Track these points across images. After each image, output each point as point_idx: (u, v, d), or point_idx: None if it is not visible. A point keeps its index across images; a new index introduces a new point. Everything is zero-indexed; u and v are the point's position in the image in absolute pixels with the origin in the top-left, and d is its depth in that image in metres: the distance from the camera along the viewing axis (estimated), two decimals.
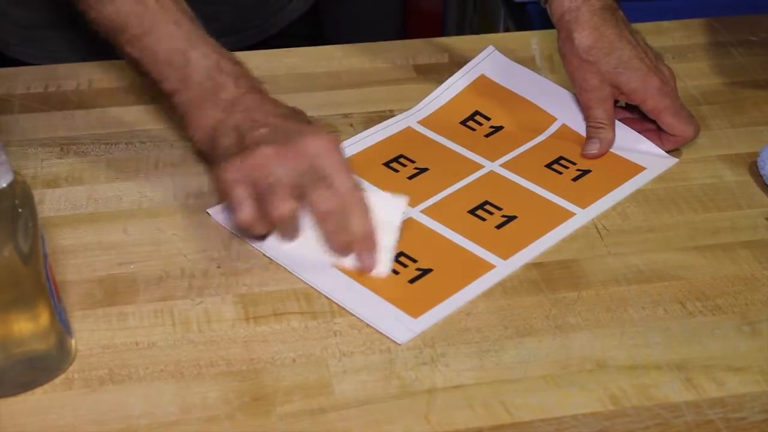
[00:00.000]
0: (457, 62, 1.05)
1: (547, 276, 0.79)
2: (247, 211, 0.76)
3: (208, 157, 0.83)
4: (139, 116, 0.96)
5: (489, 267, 0.80)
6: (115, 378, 0.71)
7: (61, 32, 1.07)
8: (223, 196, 0.80)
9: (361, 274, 0.79)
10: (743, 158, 0.92)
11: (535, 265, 0.80)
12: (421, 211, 0.85)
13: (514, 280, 0.79)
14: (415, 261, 0.80)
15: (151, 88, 0.98)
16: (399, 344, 0.73)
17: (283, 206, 0.75)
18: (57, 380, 0.70)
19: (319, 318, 0.75)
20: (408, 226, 0.83)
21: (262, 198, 0.76)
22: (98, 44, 1.04)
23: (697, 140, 0.94)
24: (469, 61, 1.02)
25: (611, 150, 0.92)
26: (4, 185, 0.65)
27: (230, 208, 0.79)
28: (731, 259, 0.81)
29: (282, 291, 0.77)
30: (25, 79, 1.00)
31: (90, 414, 0.68)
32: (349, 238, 0.77)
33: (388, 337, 0.74)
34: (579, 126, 0.94)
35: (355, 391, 0.70)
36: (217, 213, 0.84)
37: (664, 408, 0.69)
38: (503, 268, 0.79)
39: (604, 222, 0.85)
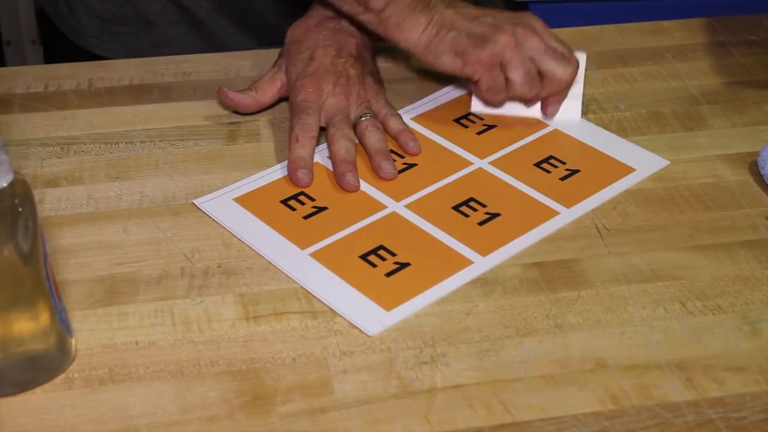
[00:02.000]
0: None
1: (547, 275, 0.79)
2: (506, 94, 0.92)
3: (428, 54, 0.92)
4: (139, 115, 0.96)
5: (467, 263, 0.80)
6: (115, 378, 0.70)
7: (138, 29, 1.10)
8: (480, 76, 0.91)
9: (338, 266, 0.79)
10: (743, 158, 0.92)
11: (535, 265, 0.80)
12: (405, 206, 0.85)
13: (514, 279, 0.79)
14: (394, 255, 0.80)
15: (149, 89, 0.99)
16: (370, 335, 0.74)
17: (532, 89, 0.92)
18: (57, 380, 0.70)
19: (320, 317, 0.75)
20: (390, 220, 0.84)
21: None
22: (173, 43, 1.09)
23: (697, 140, 0.94)
24: None
25: (602, 150, 0.92)
26: (5, 185, 0.65)
27: (486, 87, 0.92)
28: (731, 259, 0.81)
29: (282, 290, 0.77)
30: (26, 79, 1.00)
31: (90, 413, 0.68)
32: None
33: (387, 334, 0.74)
34: (572, 131, 0.94)
35: (355, 390, 0.70)
36: (203, 203, 0.85)
37: (664, 408, 0.69)
38: (481, 264, 0.80)
39: (605, 222, 0.85)
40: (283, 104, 0.97)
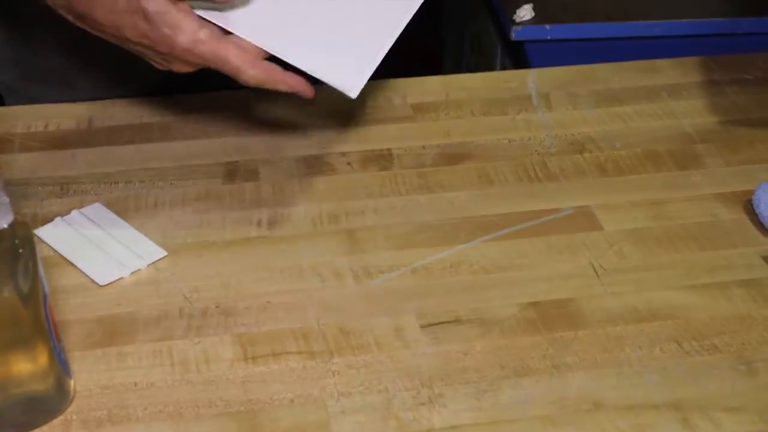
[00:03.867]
0: (455, 100, 1.06)
1: (544, 315, 0.80)
2: None
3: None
4: (138, 155, 0.96)
5: None
6: (113, 419, 0.71)
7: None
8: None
9: None
10: (738, 196, 0.93)
11: (532, 305, 0.80)
12: None
13: (511, 319, 0.79)
14: None
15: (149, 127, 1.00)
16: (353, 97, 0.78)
17: None
18: (55, 421, 0.70)
19: (317, 358, 0.76)
20: None
21: None
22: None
23: (692, 178, 0.95)
24: (465, 99, 1.02)
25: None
26: (5, 226, 0.65)
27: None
28: (727, 298, 0.82)
29: (280, 330, 0.78)
30: (26, 118, 1.01)
31: None
32: None
33: (385, 375, 0.74)
34: None
35: (353, 431, 0.70)
36: None
37: None
38: None
39: (601, 261, 0.85)
40: (281, 143, 0.98)
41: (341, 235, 0.87)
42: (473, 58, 1.77)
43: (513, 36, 1.30)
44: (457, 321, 0.79)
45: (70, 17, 0.82)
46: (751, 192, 0.92)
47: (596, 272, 0.84)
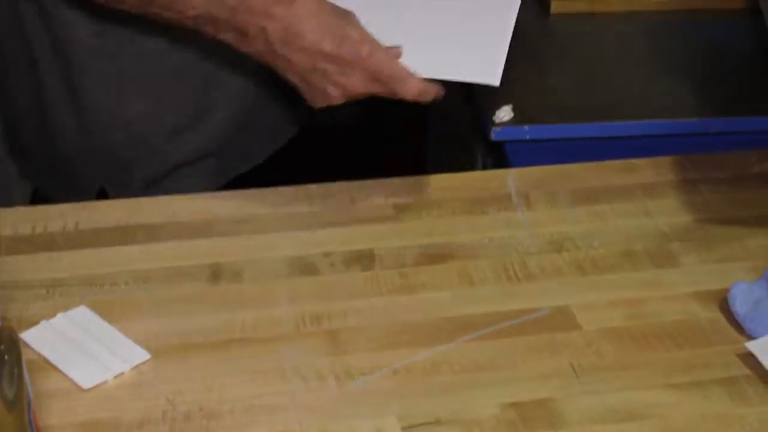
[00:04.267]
0: (436, 200, 1.08)
1: (524, 416, 0.80)
2: None
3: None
4: (124, 257, 0.98)
5: None
6: None
7: None
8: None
9: None
10: (714, 295, 0.94)
11: (512, 405, 0.81)
12: None
13: (492, 420, 0.80)
14: None
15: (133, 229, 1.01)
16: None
17: None
18: None
19: None
20: None
21: None
22: None
23: (669, 277, 0.96)
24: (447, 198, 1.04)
25: None
26: None
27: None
28: (704, 397, 0.83)
29: None
30: (13, 221, 1.02)
31: None
32: None
33: None
34: None
35: None
36: None
37: None
38: None
39: (580, 360, 0.86)
40: (265, 244, 1.00)
41: (324, 337, 0.89)
42: (455, 158, 1.79)
43: (493, 136, 1.32)
44: (438, 422, 0.80)
45: (276, 42, 0.93)
46: (727, 290, 0.93)
47: (575, 371, 0.85)
